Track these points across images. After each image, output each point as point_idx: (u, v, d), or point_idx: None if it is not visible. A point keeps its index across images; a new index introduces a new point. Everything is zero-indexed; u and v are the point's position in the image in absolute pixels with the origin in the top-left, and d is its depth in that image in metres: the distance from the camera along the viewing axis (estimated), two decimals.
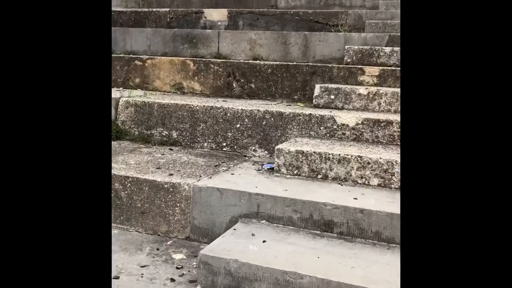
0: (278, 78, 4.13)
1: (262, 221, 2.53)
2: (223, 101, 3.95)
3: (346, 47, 4.32)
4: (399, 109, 3.46)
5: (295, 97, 4.09)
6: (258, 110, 3.47)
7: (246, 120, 3.48)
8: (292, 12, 5.81)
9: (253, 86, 4.25)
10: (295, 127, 3.36)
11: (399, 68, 4.05)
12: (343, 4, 6.41)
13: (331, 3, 6.46)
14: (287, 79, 4.10)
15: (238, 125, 3.50)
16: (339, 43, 4.77)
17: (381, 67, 3.91)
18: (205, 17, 6.15)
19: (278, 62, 4.30)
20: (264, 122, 3.43)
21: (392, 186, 2.68)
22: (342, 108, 3.59)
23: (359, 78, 3.87)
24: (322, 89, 3.65)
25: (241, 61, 4.45)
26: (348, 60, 4.32)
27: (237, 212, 2.59)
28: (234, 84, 4.32)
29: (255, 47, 5.03)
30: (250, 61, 4.58)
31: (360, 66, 3.97)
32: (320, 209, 2.43)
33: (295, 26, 5.77)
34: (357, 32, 5.17)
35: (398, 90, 3.51)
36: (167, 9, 6.36)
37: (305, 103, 3.90)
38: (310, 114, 3.34)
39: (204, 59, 4.58)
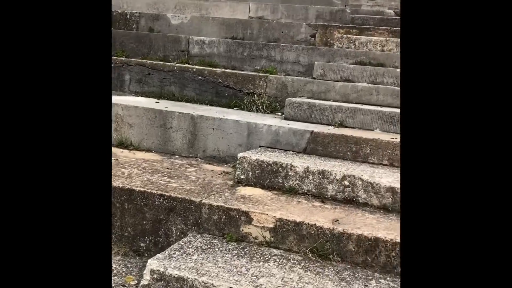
0: (117, 210, 2.48)
1: None
2: None
3: (246, 153, 2.73)
4: None
5: (142, 245, 2.45)
6: None
7: None
8: (194, 70, 4.18)
9: None
10: None
11: (320, 202, 2.48)
12: (271, 58, 4.84)
13: (257, 55, 4.88)
14: (131, 215, 2.45)
15: None
16: (240, 135, 3.18)
17: (279, 214, 2.32)
18: None
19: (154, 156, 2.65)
20: None
21: None
22: None
23: (242, 228, 2.27)
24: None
25: None
26: (242, 177, 2.72)
27: None
28: None
29: (122, 127, 3.38)
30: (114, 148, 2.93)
31: (246, 210, 2.32)
32: None
33: (198, 89, 4.16)
34: (272, 115, 3.60)
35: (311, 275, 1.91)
36: None
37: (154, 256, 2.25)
38: None
39: None
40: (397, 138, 2.97)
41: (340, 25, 5.43)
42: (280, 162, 2.64)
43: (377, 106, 3.64)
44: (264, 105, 3.88)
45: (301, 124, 3.31)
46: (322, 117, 3.41)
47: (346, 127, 3.35)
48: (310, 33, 5.48)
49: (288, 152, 3.00)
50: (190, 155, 3.25)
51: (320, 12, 6.02)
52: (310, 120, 3.43)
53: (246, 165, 2.69)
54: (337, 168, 2.62)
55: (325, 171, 2.56)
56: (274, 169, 2.64)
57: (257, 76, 4.00)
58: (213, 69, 4.11)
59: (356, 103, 3.73)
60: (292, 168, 2.61)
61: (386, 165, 2.87)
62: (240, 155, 2.72)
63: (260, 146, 3.10)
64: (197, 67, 4.16)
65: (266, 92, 3.97)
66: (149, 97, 4.20)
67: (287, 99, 3.54)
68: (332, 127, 3.32)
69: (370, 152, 2.91)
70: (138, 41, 5.22)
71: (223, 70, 4.09)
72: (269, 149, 3.04)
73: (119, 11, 6.11)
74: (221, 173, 2.93)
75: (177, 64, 4.22)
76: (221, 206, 2.27)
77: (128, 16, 6.06)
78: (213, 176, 2.85)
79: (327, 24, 5.49)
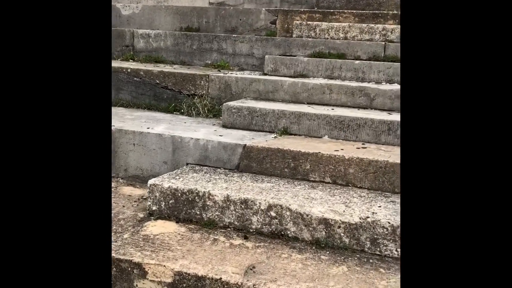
0: None
1: None
2: None
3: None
4: None
5: None
6: None
7: None
8: (129, 71, 3.70)
9: None
10: None
11: (242, 242, 2.06)
12: (223, 51, 4.35)
13: (207, 48, 4.39)
14: None
15: None
16: (164, 151, 2.73)
17: (179, 266, 1.89)
18: None
19: None
20: None
21: None
22: None
23: (136, 283, 1.84)
24: None
25: None
26: (153, 208, 2.29)
27: None
28: None
29: None
30: None
31: (139, 261, 1.86)
32: None
33: (135, 92, 3.69)
34: (212, 120, 3.15)
35: None
36: None
37: None
38: None
39: None
40: (343, 150, 2.53)
41: (303, 9, 4.93)
42: (196, 190, 2.20)
43: (329, 106, 3.19)
44: (206, 108, 3.42)
45: (240, 132, 2.86)
46: (264, 124, 2.96)
47: (290, 134, 2.90)
48: (271, 19, 4.98)
49: (218, 170, 2.56)
50: (112, 175, 2.81)
51: None
52: (250, 127, 2.98)
53: (157, 194, 2.25)
54: (264, 195, 2.18)
55: (248, 200, 2.13)
56: (190, 199, 2.21)
57: (197, 75, 3.52)
58: (150, 68, 3.63)
59: (308, 103, 3.28)
60: (211, 197, 2.18)
61: (329, 183, 2.44)
62: (150, 182, 2.28)
63: (187, 164, 2.66)
64: (132, 67, 3.68)
65: (208, 93, 3.51)
66: None
67: (224, 104, 3.08)
68: (275, 135, 2.88)
69: (310, 168, 2.47)
70: None
71: (161, 69, 3.61)
72: (197, 167, 2.60)
73: None
74: (138, 199, 2.49)
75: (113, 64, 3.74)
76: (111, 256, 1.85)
77: None
78: (126, 204, 2.41)
79: (288, 9, 4.99)
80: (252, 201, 2.12)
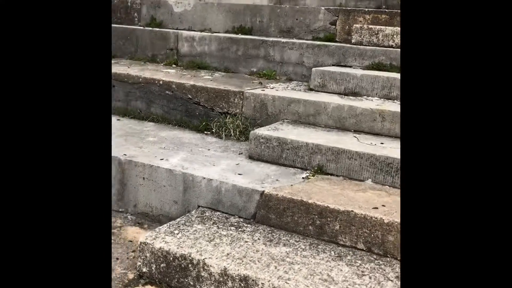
0: None
1: None
2: None
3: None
4: None
5: None
6: None
7: None
8: (161, 83, 3.36)
9: None
10: None
11: None
12: (270, 58, 3.87)
13: (253, 54, 3.93)
14: None
15: None
16: (175, 189, 2.35)
17: None
18: None
19: None
20: None
21: None
22: None
23: None
24: None
25: None
26: (144, 270, 1.91)
27: None
28: None
29: None
30: None
31: None
32: None
33: (166, 106, 3.34)
34: (243, 145, 2.71)
35: None
36: None
37: None
38: None
39: None
40: (384, 207, 1.99)
41: (367, 9, 4.30)
42: (190, 256, 1.80)
43: (380, 137, 2.63)
44: (237, 130, 2.99)
45: (265, 169, 2.41)
46: (296, 159, 2.48)
47: (326, 173, 2.40)
48: (330, 20, 4.41)
49: (230, 219, 2.14)
50: (120, 209, 2.49)
51: None
52: (280, 161, 2.51)
53: (148, 255, 1.88)
54: (271, 271, 1.71)
55: (248, 278, 1.69)
56: (183, 266, 1.81)
57: (231, 92, 3.09)
58: (182, 82, 3.26)
59: (355, 130, 2.74)
60: (206, 267, 1.76)
61: (361, 250, 1.93)
62: (141, 239, 1.91)
63: (198, 207, 2.27)
64: (164, 79, 3.32)
65: (242, 112, 3.07)
66: (113, 114, 3.47)
67: (251, 132, 2.63)
68: (307, 174, 2.39)
69: (339, 229, 1.97)
70: (125, 38, 4.48)
71: (193, 83, 3.22)
72: (208, 212, 2.20)
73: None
74: (138, 247, 2.15)
75: (143, 76, 3.41)
76: None
77: (129, 3, 5.32)
78: (121, 256, 2.07)
79: (350, 8, 4.38)
80: (253, 280, 1.68)
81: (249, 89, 3.13)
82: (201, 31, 4.92)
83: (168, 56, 4.25)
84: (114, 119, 3.34)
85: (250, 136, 2.60)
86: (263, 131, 2.61)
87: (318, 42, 3.68)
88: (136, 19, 5.30)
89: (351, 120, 2.75)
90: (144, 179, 2.40)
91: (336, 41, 4.35)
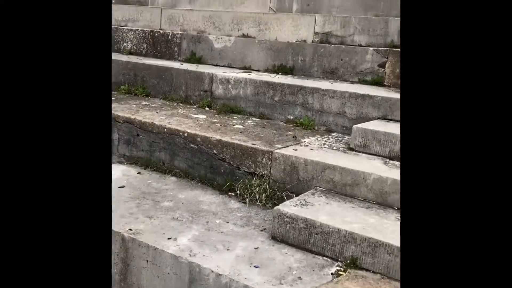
0: None
1: None
2: None
3: None
4: None
5: None
6: None
7: None
8: (185, 135, 3.05)
9: None
10: None
11: None
12: (308, 106, 3.48)
13: (290, 101, 3.56)
14: None
15: None
16: (180, 279, 1.98)
17: None
18: None
19: None
20: None
21: None
22: None
23: None
24: None
25: None
26: None
27: None
28: None
29: None
30: None
31: None
32: None
33: (190, 160, 3.03)
34: (253, 230, 2.33)
35: None
36: None
37: None
38: None
39: None
40: None
41: None
42: None
43: None
44: (264, 194, 2.62)
45: (289, 257, 2.02)
46: (326, 246, 2.07)
47: (361, 268, 1.98)
48: (379, 61, 3.97)
49: None
50: None
51: None
52: (307, 246, 2.11)
53: None
54: None
55: None
56: None
57: (259, 151, 2.73)
58: (208, 135, 2.94)
59: (399, 208, 2.30)
60: None
61: None
62: None
63: None
64: (189, 131, 3.02)
65: (270, 174, 2.70)
66: (136, 164, 3.21)
67: (275, 208, 2.25)
68: (338, 267, 1.98)
69: None
70: (159, 77, 4.25)
71: (219, 138, 2.89)
72: None
73: (161, 31, 5.22)
74: None
75: (168, 126, 3.13)
76: None
77: (169, 37, 5.13)
78: None
79: None
80: None
81: (279, 147, 2.76)
82: (241, 68, 4.63)
83: (202, 98, 3.97)
84: (134, 171, 3.07)
85: (274, 213, 2.22)
86: (288, 207, 2.22)
87: (362, 92, 3.26)
88: (176, 53, 5.10)
89: (394, 196, 2.31)
90: (147, 262, 2.08)
91: (384, 85, 3.91)
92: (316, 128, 3.38)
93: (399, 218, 2.18)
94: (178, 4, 6.56)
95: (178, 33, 5.08)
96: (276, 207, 2.23)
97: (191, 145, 2.99)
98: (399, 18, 4.58)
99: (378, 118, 3.15)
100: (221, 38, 4.78)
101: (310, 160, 2.56)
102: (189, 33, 5.14)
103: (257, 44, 4.56)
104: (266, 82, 3.63)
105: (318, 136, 3.15)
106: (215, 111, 3.76)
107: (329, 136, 3.16)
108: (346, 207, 2.28)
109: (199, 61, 4.87)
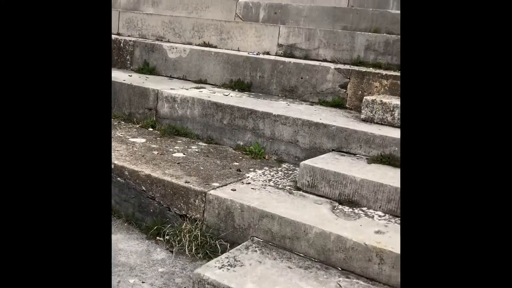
0: None
1: None
2: None
3: None
4: None
5: None
6: None
7: None
8: (112, 167, 2.68)
9: None
10: None
11: None
12: (259, 132, 3.12)
13: (240, 125, 3.20)
14: None
15: None
16: None
17: None
18: None
19: None
20: None
21: None
22: None
23: None
24: None
25: None
26: None
27: None
28: None
29: None
30: None
31: None
32: None
33: (118, 196, 2.64)
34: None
35: None
36: None
37: None
38: None
39: None
40: None
41: (385, 73, 3.52)
42: None
43: (377, 285, 1.85)
44: (195, 242, 2.26)
45: None
46: None
47: None
48: (340, 82, 3.65)
49: None
50: None
51: (372, 42, 4.09)
52: None
53: None
54: None
55: None
56: None
57: (191, 191, 2.37)
58: (136, 169, 2.56)
59: (342, 269, 1.97)
60: None
61: None
62: None
63: None
64: (116, 162, 2.65)
65: (204, 218, 2.34)
66: None
67: (195, 271, 1.87)
68: None
69: None
70: None
71: (148, 173, 2.53)
72: None
73: (113, 37, 4.80)
74: None
75: None
76: None
77: (122, 44, 4.72)
78: None
79: (364, 70, 3.61)
80: None
81: (216, 186, 2.40)
82: (196, 81, 4.26)
83: (146, 116, 3.59)
84: None
85: (194, 277, 1.86)
86: (212, 270, 1.86)
87: (316, 120, 2.93)
88: (128, 62, 4.70)
89: (338, 254, 1.98)
90: None
91: (345, 107, 3.60)
92: (266, 157, 3.04)
93: (341, 283, 1.85)
94: (140, 7, 6.14)
95: (131, 40, 4.68)
96: (196, 271, 1.87)
97: (118, 178, 2.61)
98: (366, 32, 4.27)
99: (333, 150, 2.82)
100: (176, 48, 4.39)
101: (247, 206, 2.21)
102: (144, 40, 4.73)
103: (213, 57, 4.19)
104: (214, 103, 3.27)
105: (266, 168, 2.81)
106: (158, 132, 3.38)
107: (278, 169, 2.81)
108: (282, 267, 1.94)
109: (152, 72, 4.47)
